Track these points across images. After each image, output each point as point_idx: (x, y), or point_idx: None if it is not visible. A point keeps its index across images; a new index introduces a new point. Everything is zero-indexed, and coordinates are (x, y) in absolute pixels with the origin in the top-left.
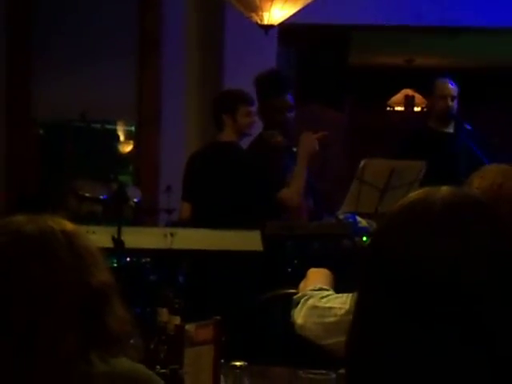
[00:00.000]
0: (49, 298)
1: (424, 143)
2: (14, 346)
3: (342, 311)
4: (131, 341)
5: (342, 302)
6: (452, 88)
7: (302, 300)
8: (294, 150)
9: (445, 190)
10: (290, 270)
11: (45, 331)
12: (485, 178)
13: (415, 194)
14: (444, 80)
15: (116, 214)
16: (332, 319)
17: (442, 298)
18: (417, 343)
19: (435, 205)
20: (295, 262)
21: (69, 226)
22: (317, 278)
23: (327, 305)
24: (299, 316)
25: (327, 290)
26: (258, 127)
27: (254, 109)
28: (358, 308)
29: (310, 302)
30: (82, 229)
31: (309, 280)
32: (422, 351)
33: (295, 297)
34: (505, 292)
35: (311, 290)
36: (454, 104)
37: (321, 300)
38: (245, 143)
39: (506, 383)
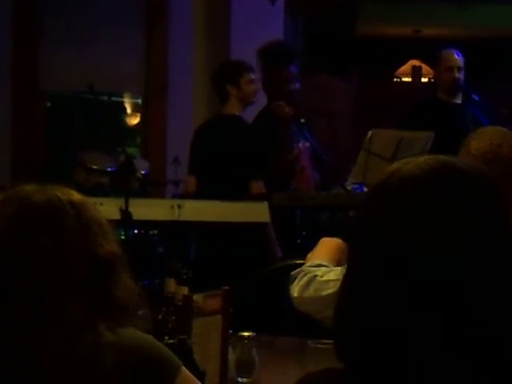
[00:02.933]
0: (56, 266)
1: (432, 114)
2: (22, 313)
3: (339, 283)
4: (139, 312)
5: (338, 274)
6: (458, 59)
7: (299, 276)
8: (302, 120)
9: (414, 162)
10: (298, 241)
11: (51, 299)
12: (482, 140)
13: (394, 166)
14: (450, 51)
15: (123, 185)
16: (330, 291)
17: (419, 268)
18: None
19: (393, 178)
20: (303, 233)
21: (76, 196)
22: (324, 249)
23: (323, 278)
24: (296, 291)
25: (326, 266)
26: (260, 99)
27: (255, 76)
28: (343, 280)
29: (307, 277)
30: (90, 200)
31: (316, 252)
32: (407, 323)
33: (292, 273)
34: (483, 254)
35: (308, 267)
36: (460, 75)
37: (317, 274)
38: (250, 115)
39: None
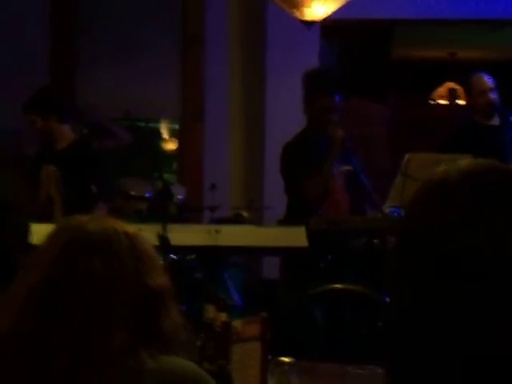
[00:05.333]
0: (106, 291)
1: (470, 138)
2: (69, 334)
3: None
4: (182, 340)
5: None
6: (489, 81)
7: None
8: (347, 145)
9: (463, 162)
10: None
11: (99, 325)
12: None
13: (435, 170)
14: (479, 75)
15: (161, 211)
16: None
17: (459, 271)
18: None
19: (450, 174)
20: (328, 257)
21: (130, 228)
22: None
23: None
24: None
25: None
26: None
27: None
28: (392, 287)
29: None
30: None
31: None
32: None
33: None
34: None
35: None
36: (494, 96)
37: None
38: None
39: None
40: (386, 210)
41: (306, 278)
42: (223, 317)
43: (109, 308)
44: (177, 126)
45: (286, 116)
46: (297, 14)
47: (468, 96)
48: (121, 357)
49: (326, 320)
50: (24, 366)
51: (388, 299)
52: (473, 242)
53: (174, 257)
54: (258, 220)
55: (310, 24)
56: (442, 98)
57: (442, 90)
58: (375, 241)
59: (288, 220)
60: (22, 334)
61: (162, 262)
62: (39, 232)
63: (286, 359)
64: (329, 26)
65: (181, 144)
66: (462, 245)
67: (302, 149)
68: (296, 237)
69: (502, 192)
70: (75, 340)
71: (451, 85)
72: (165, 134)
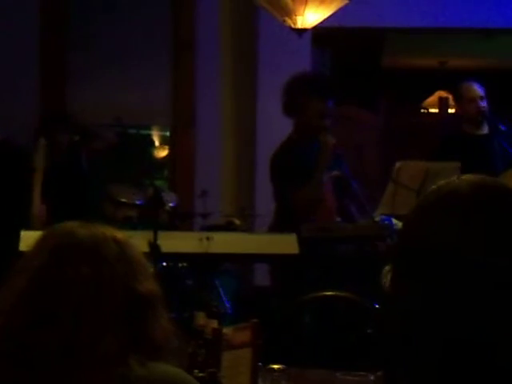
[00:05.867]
0: (94, 297)
1: (459, 147)
2: (58, 340)
3: None
4: (173, 347)
5: None
6: (478, 89)
7: None
8: (338, 151)
9: (467, 176)
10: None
11: (87, 330)
12: None
13: (439, 183)
14: (468, 83)
15: (152, 218)
16: None
17: (467, 280)
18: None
19: (461, 186)
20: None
21: (119, 234)
22: None
23: None
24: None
25: None
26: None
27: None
28: (392, 293)
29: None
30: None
31: None
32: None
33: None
34: None
35: None
36: (484, 104)
37: None
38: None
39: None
40: (377, 217)
41: (296, 285)
42: (214, 324)
43: (97, 313)
44: (168, 133)
45: (278, 123)
46: (288, 22)
47: (457, 104)
48: (110, 363)
49: (315, 327)
50: (12, 372)
51: (384, 304)
52: (480, 253)
53: (165, 264)
54: (249, 227)
55: (302, 32)
56: (432, 106)
57: (433, 98)
58: (366, 248)
59: (277, 227)
60: (10, 339)
61: (151, 269)
62: (29, 239)
63: (276, 366)
64: (320, 34)
65: (172, 151)
66: (469, 254)
67: (291, 159)
68: (287, 244)
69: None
70: (63, 345)
71: (442, 93)
72: (156, 141)
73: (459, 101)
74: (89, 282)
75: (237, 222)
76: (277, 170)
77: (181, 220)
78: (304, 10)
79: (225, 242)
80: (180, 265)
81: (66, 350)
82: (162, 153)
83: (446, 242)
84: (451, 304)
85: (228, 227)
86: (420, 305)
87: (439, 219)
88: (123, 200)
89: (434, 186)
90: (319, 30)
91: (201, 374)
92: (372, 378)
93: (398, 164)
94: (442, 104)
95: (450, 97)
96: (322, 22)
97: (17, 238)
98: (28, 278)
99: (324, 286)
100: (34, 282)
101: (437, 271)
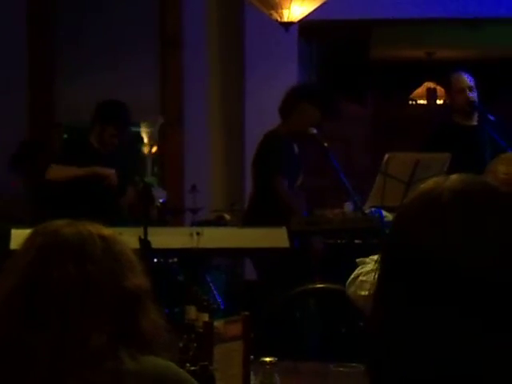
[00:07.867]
0: (80, 294)
1: (448, 138)
2: (46, 339)
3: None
4: (164, 340)
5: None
6: (468, 80)
7: (358, 267)
8: (325, 144)
9: (454, 178)
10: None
11: (75, 327)
12: (510, 164)
13: (425, 184)
14: (458, 73)
15: (142, 214)
16: (365, 293)
17: (451, 285)
18: (431, 329)
19: (443, 194)
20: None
21: (107, 231)
22: None
23: (364, 277)
24: (347, 283)
25: None
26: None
27: None
28: (376, 295)
29: (356, 272)
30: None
31: None
32: (437, 337)
33: (358, 260)
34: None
35: (371, 258)
36: (473, 95)
37: (362, 272)
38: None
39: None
40: (367, 209)
41: (286, 278)
42: (205, 317)
43: (85, 310)
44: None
45: (266, 117)
46: (275, 15)
47: (447, 95)
48: (99, 358)
49: (307, 319)
50: (1, 370)
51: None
52: (459, 262)
53: (156, 260)
54: (239, 222)
55: (288, 25)
56: (420, 97)
57: (421, 89)
58: (356, 240)
59: (252, 214)
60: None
61: (140, 264)
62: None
63: (268, 359)
64: (307, 27)
65: (161, 147)
66: (449, 262)
67: (279, 150)
68: (277, 238)
69: (492, 214)
70: (52, 343)
71: (430, 85)
72: (145, 138)
73: (449, 91)
74: (75, 281)
75: (227, 216)
76: (265, 158)
77: (171, 215)
78: (290, 4)
79: (215, 237)
80: (170, 260)
81: (55, 348)
82: (152, 149)
83: (427, 251)
84: (435, 317)
85: (218, 222)
86: (405, 315)
87: (421, 230)
88: None
89: (419, 188)
90: (306, 24)
91: (193, 368)
92: (363, 369)
93: (386, 156)
94: (430, 95)
95: (438, 88)
96: (308, 15)
97: None
98: (15, 278)
99: (315, 279)
100: (22, 282)
101: (419, 281)
